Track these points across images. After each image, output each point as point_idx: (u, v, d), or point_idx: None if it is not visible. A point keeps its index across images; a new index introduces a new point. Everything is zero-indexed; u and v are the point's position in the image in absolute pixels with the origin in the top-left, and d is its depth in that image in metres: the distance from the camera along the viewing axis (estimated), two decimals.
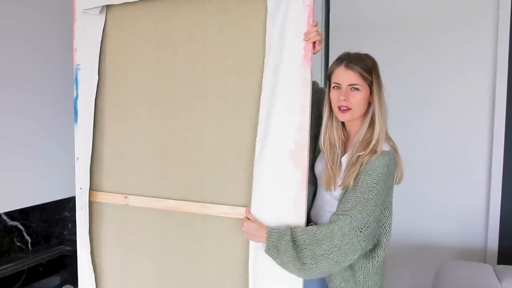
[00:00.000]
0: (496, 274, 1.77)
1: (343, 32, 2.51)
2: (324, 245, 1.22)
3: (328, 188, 1.36)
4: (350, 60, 1.31)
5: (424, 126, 2.36)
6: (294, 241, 1.26)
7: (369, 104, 1.33)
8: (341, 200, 1.29)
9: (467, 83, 2.26)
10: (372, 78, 1.30)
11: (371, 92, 1.31)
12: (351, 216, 1.22)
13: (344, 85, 1.30)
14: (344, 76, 1.30)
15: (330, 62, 2.52)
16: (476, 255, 2.27)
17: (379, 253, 1.30)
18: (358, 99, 1.29)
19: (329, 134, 1.38)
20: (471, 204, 2.28)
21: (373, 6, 2.46)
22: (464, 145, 2.28)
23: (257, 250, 1.37)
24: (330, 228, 1.23)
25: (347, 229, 1.21)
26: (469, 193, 2.28)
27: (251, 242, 1.38)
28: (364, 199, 1.22)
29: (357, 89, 1.29)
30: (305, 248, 1.24)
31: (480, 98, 2.24)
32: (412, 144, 2.34)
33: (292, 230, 1.28)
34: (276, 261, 1.30)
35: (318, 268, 1.23)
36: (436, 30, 2.32)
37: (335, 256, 1.21)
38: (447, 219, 2.33)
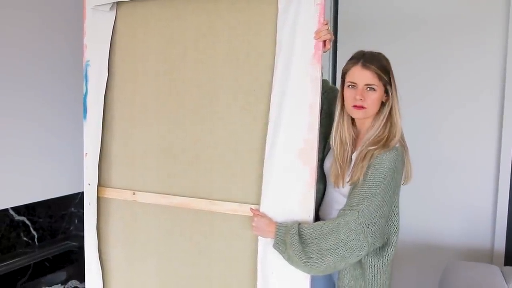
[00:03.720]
0: (503, 275, 1.77)
1: (352, 31, 2.50)
2: (330, 240, 1.22)
3: (337, 184, 1.36)
4: (367, 59, 1.30)
5: (431, 126, 2.35)
6: (300, 235, 1.26)
7: (382, 103, 1.33)
8: (349, 196, 1.29)
9: (476, 83, 2.26)
10: (387, 78, 1.31)
11: (385, 92, 1.32)
12: (358, 211, 1.21)
13: (360, 85, 1.30)
14: (361, 76, 1.30)
15: (338, 61, 2.55)
16: (482, 256, 2.26)
17: (389, 251, 1.30)
18: (373, 98, 1.30)
19: (340, 131, 1.38)
20: (478, 204, 2.27)
21: (382, 6, 2.45)
22: (472, 145, 2.28)
23: (266, 247, 1.37)
24: (336, 223, 1.24)
25: (354, 225, 1.21)
26: (477, 194, 2.27)
27: (260, 238, 1.39)
28: (372, 194, 1.22)
29: (373, 89, 1.30)
30: (311, 243, 1.24)
31: (489, 98, 2.24)
32: (419, 143, 2.33)
33: (299, 224, 1.28)
34: (283, 256, 1.31)
35: (324, 263, 1.23)
36: (445, 30, 2.31)
37: (341, 251, 1.21)
38: (454, 219, 2.32)
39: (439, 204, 2.35)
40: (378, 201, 1.22)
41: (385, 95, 1.32)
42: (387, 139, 1.28)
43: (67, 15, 2.16)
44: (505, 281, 1.72)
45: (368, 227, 1.21)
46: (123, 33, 1.63)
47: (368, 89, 1.30)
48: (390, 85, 1.31)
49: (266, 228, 1.34)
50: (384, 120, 1.32)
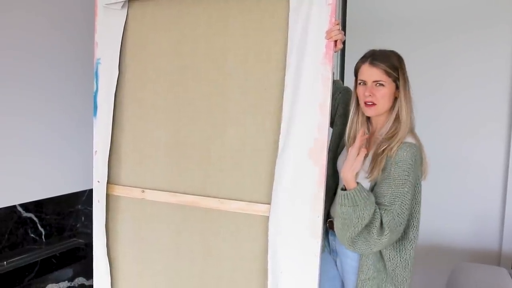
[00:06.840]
0: (511, 277, 1.76)
1: (360, 32, 2.50)
2: (361, 220, 1.21)
3: None
4: (375, 57, 1.34)
5: (440, 127, 2.35)
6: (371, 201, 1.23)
7: (395, 99, 1.35)
8: (375, 194, 1.28)
9: (485, 84, 2.25)
10: (397, 74, 1.33)
11: (397, 88, 1.34)
12: (392, 212, 1.23)
13: (369, 82, 1.34)
14: (369, 73, 1.34)
15: (346, 61, 2.55)
16: (490, 258, 2.25)
17: (406, 245, 1.31)
18: (382, 94, 1.33)
19: (354, 128, 1.41)
20: (487, 206, 2.26)
21: (390, 7, 2.45)
22: (480, 146, 2.27)
23: (276, 246, 1.37)
24: (376, 218, 1.22)
25: (386, 227, 1.21)
26: (485, 195, 2.27)
27: (269, 238, 1.38)
28: (401, 193, 1.24)
29: (382, 84, 1.33)
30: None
31: (498, 99, 2.23)
32: (426, 144, 2.32)
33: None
34: (341, 209, 1.25)
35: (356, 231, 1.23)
36: (453, 30, 2.31)
37: (360, 238, 1.24)
38: (461, 220, 2.32)
39: (447, 205, 2.34)
40: (408, 199, 1.25)
41: (397, 91, 1.35)
42: (401, 135, 1.30)
43: (73, 14, 2.17)
44: None
45: (401, 225, 1.24)
46: (134, 31, 1.64)
47: (377, 85, 1.33)
48: (400, 81, 1.33)
49: (351, 177, 1.25)
50: (395, 116, 1.34)
